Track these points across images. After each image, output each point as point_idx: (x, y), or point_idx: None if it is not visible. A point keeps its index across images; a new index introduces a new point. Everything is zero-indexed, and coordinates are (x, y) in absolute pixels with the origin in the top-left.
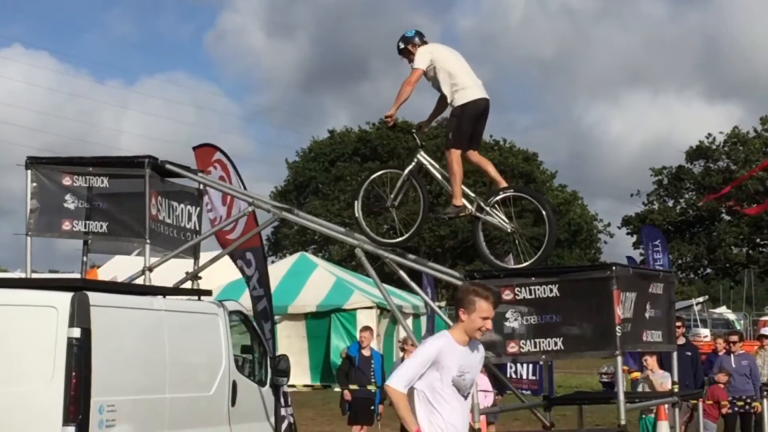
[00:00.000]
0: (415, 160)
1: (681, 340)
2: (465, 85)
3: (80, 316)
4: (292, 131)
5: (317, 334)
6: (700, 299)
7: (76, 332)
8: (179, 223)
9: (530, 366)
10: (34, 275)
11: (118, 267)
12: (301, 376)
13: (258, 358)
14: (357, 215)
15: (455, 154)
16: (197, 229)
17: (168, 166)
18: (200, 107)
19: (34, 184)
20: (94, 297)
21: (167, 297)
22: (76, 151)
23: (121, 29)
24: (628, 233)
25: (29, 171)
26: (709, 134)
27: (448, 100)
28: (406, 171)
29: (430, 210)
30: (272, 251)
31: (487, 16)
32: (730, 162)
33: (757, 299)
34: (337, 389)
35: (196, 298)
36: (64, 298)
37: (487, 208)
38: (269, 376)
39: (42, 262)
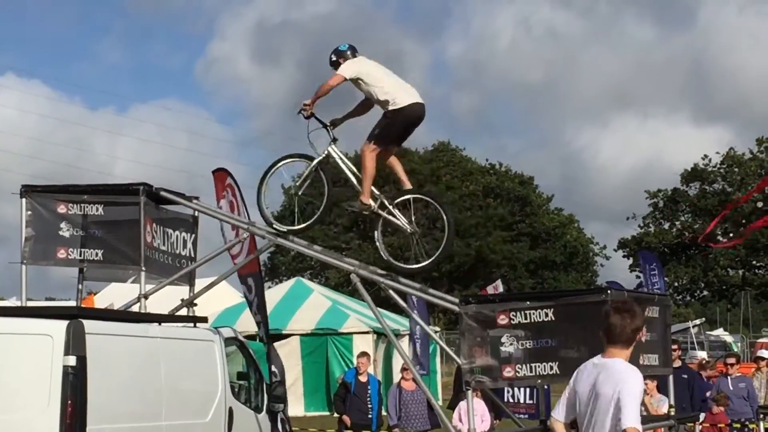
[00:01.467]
0: (326, 152)
1: (677, 363)
2: (397, 91)
3: (76, 344)
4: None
5: (313, 359)
6: (697, 321)
7: (72, 360)
8: (174, 250)
9: (527, 390)
10: (30, 303)
11: (114, 294)
12: (295, 403)
13: (254, 384)
14: (260, 201)
15: (373, 151)
16: (192, 255)
17: (163, 193)
18: (193, 133)
19: (29, 212)
20: (89, 325)
21: (163, 324)
22: (70, 178)
23: (112, 58)
24: (624, 256)
25: (24, 199)
26: (705, 155)
27: (383, 108)
28: (315, 161)
29: (334, 204)
30: (269, 277)
31: (476, 42)
32: (726, 184)
33: (753, 321)
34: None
35: (192, 325)
36: (59, 327)
37: (390, 207)
38: (266, 402)
39: (37, 289)
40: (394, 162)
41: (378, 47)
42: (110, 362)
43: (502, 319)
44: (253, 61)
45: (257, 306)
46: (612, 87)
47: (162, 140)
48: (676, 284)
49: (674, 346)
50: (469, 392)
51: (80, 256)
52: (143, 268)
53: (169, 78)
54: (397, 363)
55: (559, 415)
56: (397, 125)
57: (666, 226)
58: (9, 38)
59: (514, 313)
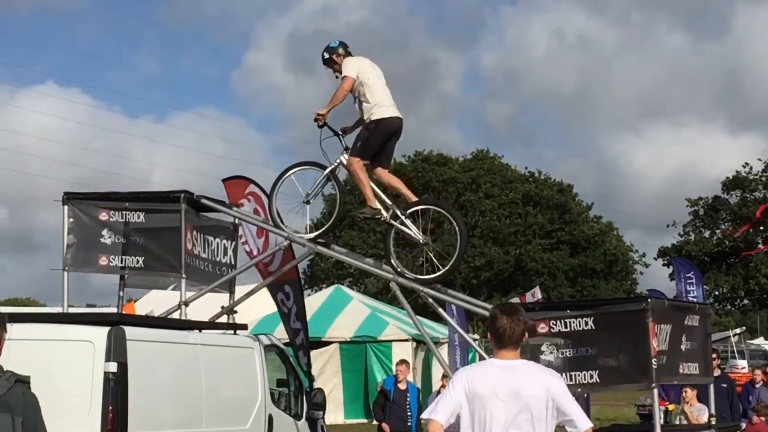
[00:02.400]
0: (338, 160)
1: (716, 372)
2: (381, 103)
3: (117, 350)
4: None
5: (353, 367)
6: (738, 330)
7: (113, 366)
8: (214, 257)
9: None
10: (71, 310)
11: (155, 301)
12: (334, 411)
13: (294, 391)
14: (272, 209)
15: (357, 163)
16: (232, 263)
17: (203, 200)
18: (230, 141)
19: (71, 220)
20: (130, 331)
21: (203, 331)
22: (109, 186)
23: (149, 68)
24: (664, 264)
25: (66, 206)
26: (746, 163)
27: (364, 116)
28: (327, 170)
29: (349, 211)
30: (308, 284)
31: (510, 51)
32: (767, 192)
33: None
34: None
35: (232, 332)
36: (101, 333)
37: (402, 217)
38: (305, 409)
39: (77, 296)
40: (393, 180)
41: (412, 56)
42: (151, 369)
43: (542, 328)
44: (288, 70)
45: (296, 314)
46: (646, 95)
47: (199, 148)
48: (716, 293)
49: (714, 355)
50: None
51: (121, 263)
52: (184, 276)
53: (205, 87)
54: (436, 371)
55: (439, 416)
56: (376, 137)
57: (706, 234)
58: (49, 48)
59: (554, 322)
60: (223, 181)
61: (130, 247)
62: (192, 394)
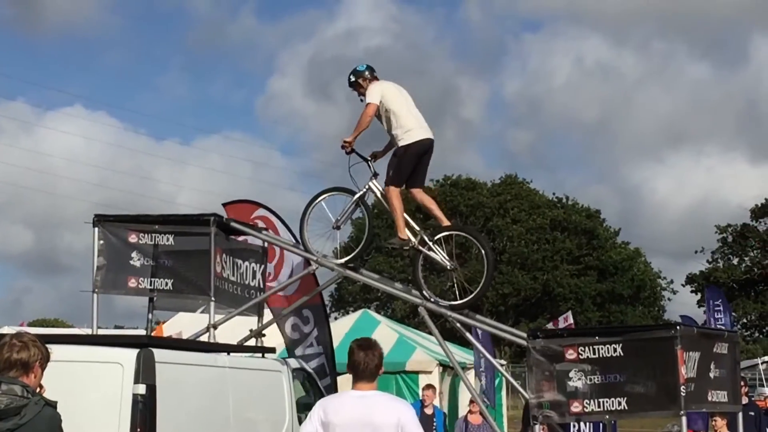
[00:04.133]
0: (367, 186)
1: (744, 400)
2: (409, 127)
3: (146, 372)
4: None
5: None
6: (766, 358)
7: (142, 389)
8: (243, 280)
9: (592, 425)
10: (100, 331)
11: (182, 323)
12: None
13: None
14: (303, 234)
15: (394, 192)
16: (261, 286)
17: (233, 224)
18: (256, 164)
19: (101, 242)
20: (159, 354)
21: (231, 354)
22: (135, 207)
23: (175, 92)
24: (692, 291)
25: (96, 228)
26: None
27: (395, 141)
28: (356, 196)
29: (373, 240)
30: (335, 307)
31: (532, 79)
32: None
33: None
34: None
35: (260, 355)
36: (129, 355)
37: (430, 243)
38: None
39: (103, 317)
40: (427, 200)
41: (434, 82)
42: (179, 391)
43: (570, 354)
44: (311, 96)
45: (316, 338)
46: (668, 124)
47: (225, 170)
48: (744, 320)
49: (741, 383)
50: (537, 427)
51: (150, 285)
52: (213, 299)
53: (230, 112)
54: (463, 396)
55: None
56: (406, 161)
57: (735, 261)
58: (77, 71)
59: (583, 348)
60: (224, 205)
61: (159, 269)
62: (220, 417)
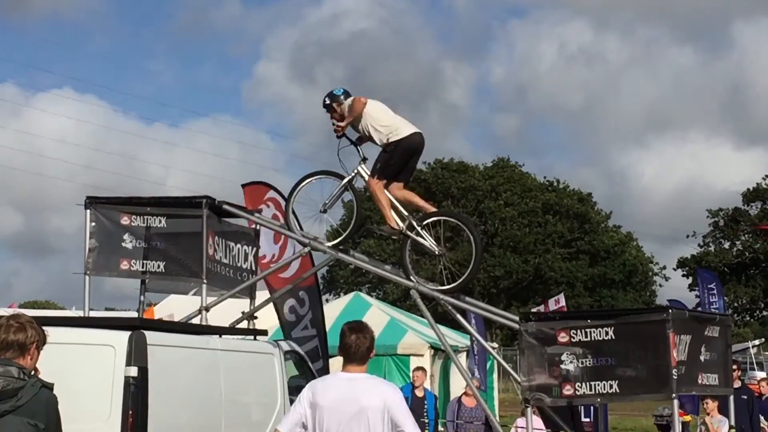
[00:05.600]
0: (355, 170)
1: (737, 384)
2: (397, 125)
3: (137, 355)
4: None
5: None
6: (757, 342)
7: (134, 371)
8: (235, 263)
9: (584, 408)
10: (91, 313)
11: (174, 306)
12: None
13: None
14: (289, 217)
15: (377, 185)
16: (253, 269)
17: (225, 206)
18: (245, 146)
19: (93, 224)
20: (151, 336)
21: (223, 336)
22: (125, 190)
23: (165, 76)
24: (683, 275)
25: (88, 210)
26: (766, 176)
27: (381, 141)
28: (345, 180)
29: (363, 223)
30: (327, 289)
31: (518, 64)
32: None
33: None
34: None
35: (252, 337)
36: (121, 337)
37: (418, 228)
38: None
39: (94, 299)
40: (409, 195)
41: (420, 67)
42: (171, 373)
43: (563, 337)
44: (297, 80)
45: (311, 320)
46: (652, 108)
47: (214, 152)
48: (735, 304)
49: (734, 367)
50: (529, 410)
51: (143, 267)
52: (205, 281)
53: (218, 95)
54: (454, 378)
55: (282, 427)
56: (397, 157)
57: (726, 245)
58: (66, 52)
59: (575, 331)
60: (243, 186)
61: (151, 251)
62: (212, 400)
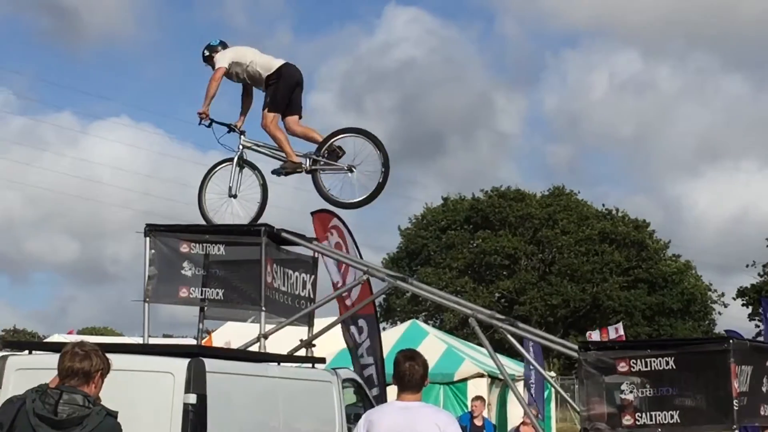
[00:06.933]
0: (240, 146)
1: None
2: (270, 58)
3: (196, 382)
4: (400, 197)
5: (427, 402)
6: None
7: (192, 398)
8: (294, 290)
9: None
10: (150, 340)
11: (231, 333)
12: None
13: None
14: (201, 207)
15: (272, 119)
16: (311, 296)
17: (284, 234)
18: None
19: (152, 251)
20: (210, 363)
21: (281, 364)
22: (181, 217)
23: (219, 104)
24: (743, 305)
25: (148, 238)
26: None
27: (261, 76)
28: (235, 157)
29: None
30: (384, 318)
31: (571, 94)
32: None
33: None
34: None
35: (310, 365)
36: (180, 365)
37: (319, 158)
38: None
39: (151, 326)
40: (308, 130)
41: (471, 96)
42: (229, 401)
43: (622, 367)
44: (347, 108)
45: (368, 348)
46: (705, 139)
47: (269, 180)
48: None
49: None
50: None
51: (201, 295)
52: (263, 309)
53: None
54: (511, 407)
55: None
56: (281, 87)
57: None
58: (121, 81)
59: (635, 361)
60: (312, 214)
61: (210, 279)
62: (269, 428)
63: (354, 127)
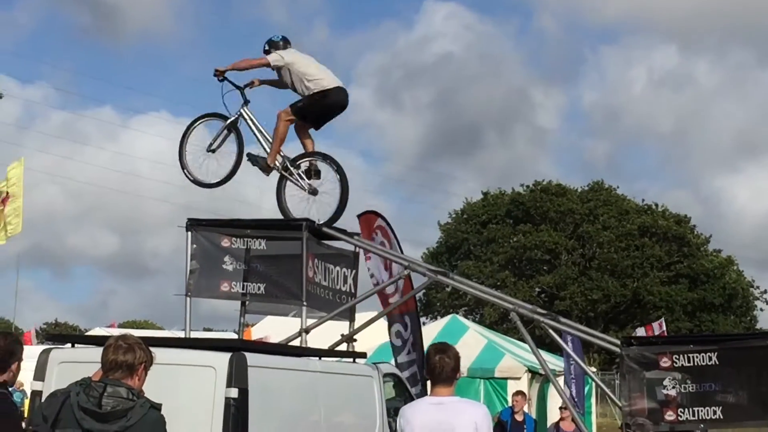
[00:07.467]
0: (238, 112)
1: None
2: (320, 77)
3: (238, 376)
4: (440, 192)
5: (467, 397)
6: None
7: (234, 392)
8: (335, 285)
9: None
10: (192, 334)
11: (270, 327)
12: None
13: None
14: (182, 159)
15: (285, 117)
16: (353, 291)
17: (324, 229)
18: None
19: (194, 246)
20: (251, 358)
21: (322, 359)
22: (221, 211)
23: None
24: None
25: (189, 233)
26: None
27: (306, 92)
28: (228, 121)
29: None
30: (423, 313)
31: (609, 89)
32: None
33: None
34: None
35: (351, 360)
36: (222, 359)
37: (292, 169)
38: None
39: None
40: (309, 142)
41: (509, 91)
42: (271, 395)
43: (665, 362)
44: (385, 104)
45: (413, 344)
46: (743, 133)
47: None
48: None
49: None
50: None
51: (243, 289)
52: (305, 303)
53: None
54: (552, 402)
55: None
56: (319, 105)
57: None
58: (161, 75)
59: (677, 356)
60: (358, 216)
61: (251, 273)
62: (311, 422)
63: (326, 154)
